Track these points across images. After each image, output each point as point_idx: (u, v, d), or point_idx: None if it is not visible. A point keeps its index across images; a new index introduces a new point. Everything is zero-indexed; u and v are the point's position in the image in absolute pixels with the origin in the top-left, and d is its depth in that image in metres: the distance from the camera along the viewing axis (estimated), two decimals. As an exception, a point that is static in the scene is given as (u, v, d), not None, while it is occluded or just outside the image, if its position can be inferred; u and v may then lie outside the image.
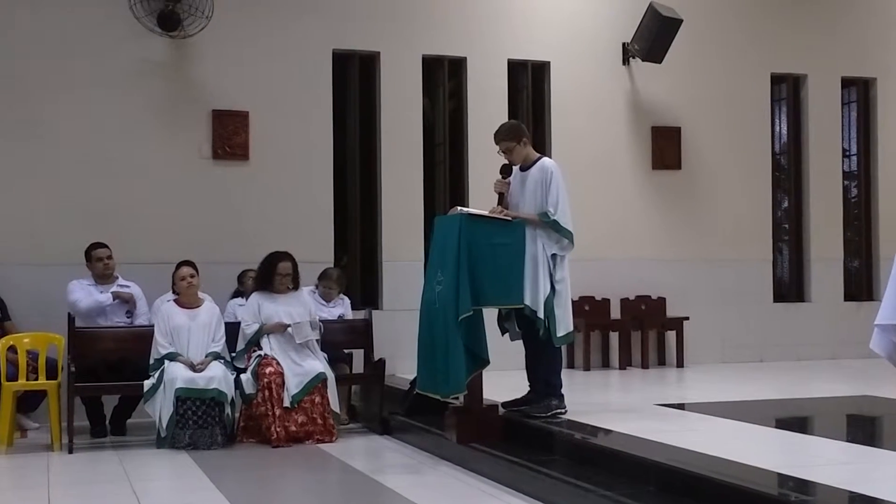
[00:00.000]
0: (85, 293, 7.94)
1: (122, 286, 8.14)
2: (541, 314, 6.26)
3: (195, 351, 7.46)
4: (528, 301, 6.28)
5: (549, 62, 10.31)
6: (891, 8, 11.48)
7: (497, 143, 6.60)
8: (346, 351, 8.48)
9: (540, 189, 6.43)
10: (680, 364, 10.22)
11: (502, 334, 6.66)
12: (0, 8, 8.70)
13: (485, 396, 6.50)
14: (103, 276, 8.09)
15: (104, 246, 8.15)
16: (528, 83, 10.34)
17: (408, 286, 8.94)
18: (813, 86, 11.20)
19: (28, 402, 7.83)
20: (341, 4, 9.62)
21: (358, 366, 8.55)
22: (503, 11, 10.14)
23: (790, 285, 11.27)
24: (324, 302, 8.48)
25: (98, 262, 8.07)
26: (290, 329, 7.53)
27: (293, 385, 7.34)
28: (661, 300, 10.45)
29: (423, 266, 8.20)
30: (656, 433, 5.75)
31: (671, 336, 10.36)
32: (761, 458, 5.00)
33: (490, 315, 6.44)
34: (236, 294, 8.59)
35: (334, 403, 7.51)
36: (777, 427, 6.55)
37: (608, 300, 10.28)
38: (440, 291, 6.23)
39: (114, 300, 7.99)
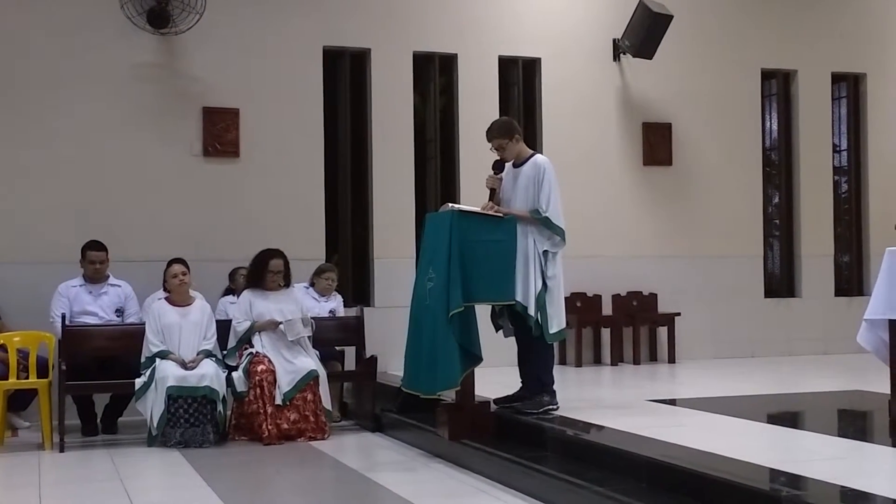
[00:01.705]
0: (61, 308, 7.81)
1: (113, 285, 8.11)
2: (531, 311, 6.26)
3: (186, 349, 7.44)
4: (519, 297, 6.28)
5: (539, 58, 10.31)
6: (881, 3, 11.51)
7: (489, 140, 6.59)
8: (337, 348, 8.48)
9: (532, 186, 6.42)
10: (671, 360, 10.24)
11: (496, 331, 6.67)
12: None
13: (477, 393, 6.49)
14: (94, 279, 8.06)
15: (101, 249, 8.06)
16: (519, 79, 10.34)
17: (399, 283, 8.94)
18: (803, 81, 11.22)
19: (19, 401, 7.81)
20: (332, 1, 9.60)
21: (350, 363, 8.54)
22: (494, 8, 10.14)
23: (781, 281, 11.29)
24: (319, 297, 8.49)
25: (90, 265, 8.02)
26: (281, 326, 7.53)
27: (285, 383, 7.33)
28: (653, 296, 10.46)
29: (415, 263, 8.19)
30: (648, 429, 5.75)
31: (663, 332, 10.38)
32: (753, 454, 5.00)
33: (483, 312, 6.44)
34: (228, 292, 8.59)
35: (326, 401, 7.51)
36: (768, 422, 6.56)
37: (599, 296, 10.29)
38: (431, 288, 6.22)
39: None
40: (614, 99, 10.51)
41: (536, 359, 6.51)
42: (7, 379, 7.46)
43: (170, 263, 7.83)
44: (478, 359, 6.27)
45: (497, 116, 8.94)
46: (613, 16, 10.34)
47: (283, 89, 9.38)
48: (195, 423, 7.15)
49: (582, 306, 10.11)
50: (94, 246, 8.07)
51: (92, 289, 8.03)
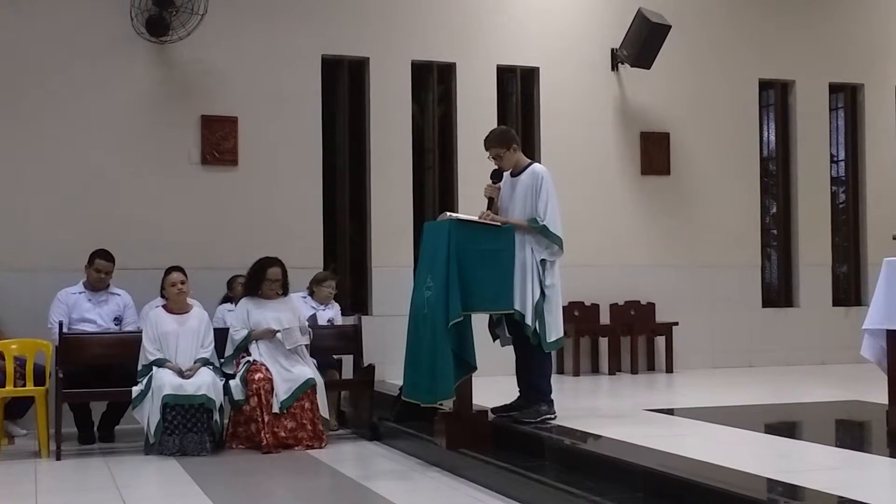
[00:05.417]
0: (59, 315, 7.82)
1: (113, 294, 8.10)
2: (529, 320, 6.27)
3: (183, 357, 7.43)
4: (517, 306, 6.28)
5: (538, 68, 10.33)
6: (877, 14, 11.54)
7: (487, 149, 6.60)
8: (335, 356, 8.47)
9: (530, 195, 6.43)
10: (669, 369, 10.24)
11: (493, 340, 6.66)
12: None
13: (474, 402, 6.48)
14: (95, 287, 8.05)
15: (110, 260, 8.05)
16: (517, 89, 10.35)
17: (397, 292, 8.92)
18: (801, 92, 11.24)
19: (16, 409, 7.79)
20: (330, 10, 9.62)
21: (347, 371, 8.54)
22: (492, 17, 10.16)
23: (779, 290, 11.30)
24: (317, 306, 8.49)
25: (96, 272, 8.00)
26: (279, 335, 7.52)
27: (282, 391, 7.33)
28: (651, 305, 10.46)
29: (413, 272, 8.19)
30: (645, 438, 5.75)
31: (660, 341, 10.37)
32: (750, 463, 5.01)
33: (478, 320, 6.44)
34: (225, 300, 8.58)
35: (324, 409, 7.50)
36: (766, 432, 6.56)
37: (597, 305, 10.29)
38: (429, 297, 6.22)
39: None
40: (612, 108, 10.52)
41: (534, 368, 6.51)
42: (4, 387, 7.44)
43: (168, 271, 7.82)
44: (471, 367, 6.26)
45: (495, 125, 8.93)
46: (612, 25, 10.35)
47: (282, 98, 9.39)
48: (193, 430, 7.14)
49: (580, 315, 10.11)
50: (104, 255, 8.05)
51: (92, 296, 8.02)
